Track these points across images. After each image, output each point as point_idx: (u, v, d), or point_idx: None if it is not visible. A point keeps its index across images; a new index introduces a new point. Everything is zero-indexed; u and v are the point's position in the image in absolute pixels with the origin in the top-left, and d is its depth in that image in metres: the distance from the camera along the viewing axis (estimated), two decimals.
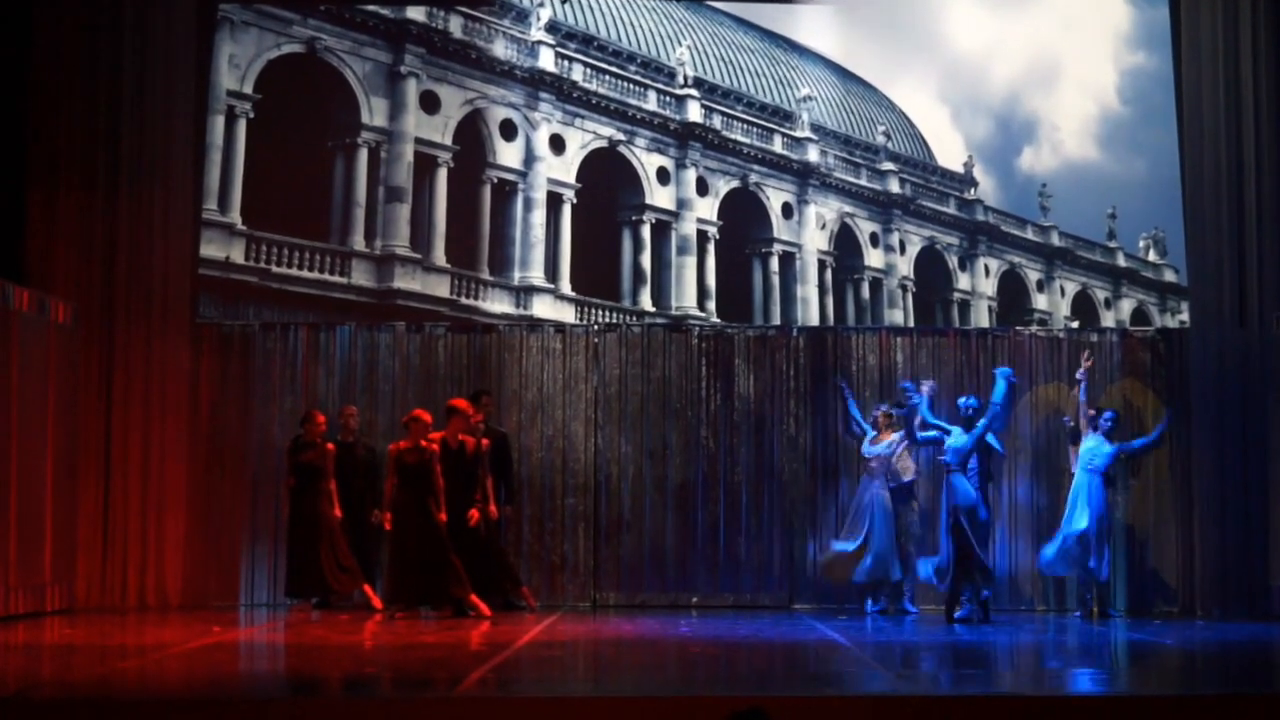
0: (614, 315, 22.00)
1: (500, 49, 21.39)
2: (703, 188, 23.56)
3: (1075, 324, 25.45)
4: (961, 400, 12.43)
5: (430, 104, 20.66)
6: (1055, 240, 26.57)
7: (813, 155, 24.77)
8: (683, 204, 23.22)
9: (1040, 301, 26.47)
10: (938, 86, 24.73)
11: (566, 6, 22.68)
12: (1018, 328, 15.53)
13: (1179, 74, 13.49)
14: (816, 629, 11.43)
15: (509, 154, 21.54)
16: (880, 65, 25.30)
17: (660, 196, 23.15)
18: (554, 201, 21.77)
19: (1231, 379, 12.92)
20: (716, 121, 23.91)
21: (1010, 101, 23.87)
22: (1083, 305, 26.80)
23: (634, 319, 21.72)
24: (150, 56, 13.14)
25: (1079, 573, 12.73)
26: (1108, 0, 23.40)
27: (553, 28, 22.10)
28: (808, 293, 23.96)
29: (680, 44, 24.10)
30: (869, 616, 12.54)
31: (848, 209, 25.10)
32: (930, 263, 25.71)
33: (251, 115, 18.85)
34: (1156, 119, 20.76)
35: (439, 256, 20.33)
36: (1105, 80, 23.89)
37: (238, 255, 18.47)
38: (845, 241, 25.00)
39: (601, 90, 22.62)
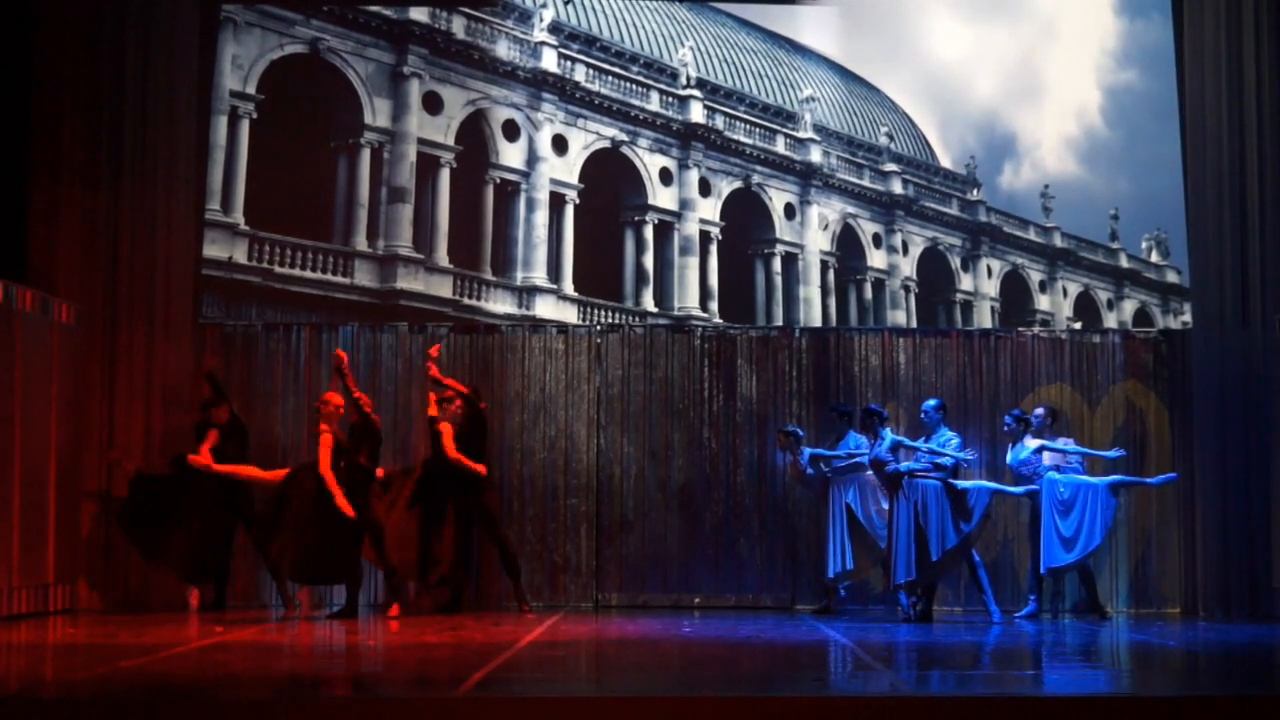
0: (616, 315, 22.03)
1: (503, 50, 21.42)
2: (705, 188, 23.58)
3: (1078, 325, 25.47)
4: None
5: (433, 104, 20.70)
6: (1058, 241, 26.60)
7: (815, 156, 24.80)
8: (685, 204, 23.25)
9: (1043, 302, 26.52)
10: (927, 93, 24.79)
11: (569, 7, 22.71)
12: (1020, 329, 15.53)
13: (1181, 75, 13.50)
14: (819, 629, 11.44)
15: (512, 154, 21.58)
16: (877, 70, 25.39)
17: (663, 197, 23.18)
18: (557, 202, 21.80)
19: (1234, 380, 12.92)
20: (719, 122, 23.94)
21: (995, 115, 23.93)
22: (1085, 306, 26.84)
23: (636, 319, 21.74)
24: (153, 57, 13.15)
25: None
26: (1096, 17, 23.45)
27: (555, 29, 22.13)
28: (810, 293, 24.00)
29: (683, 45, 24.13)
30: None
31: (850, 210, 25.13)
32: (933, 263, 25.74)
33: (254, 116, 18.88)
34: (1143, 133, 20.82)
35: (441, 257, 20.36)
36: (1090, 96, 23.96)
37: (240, 255, 18.51)
38: (848, 242, 25.03)
39: (604, 91, 22.65)
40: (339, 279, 19.52)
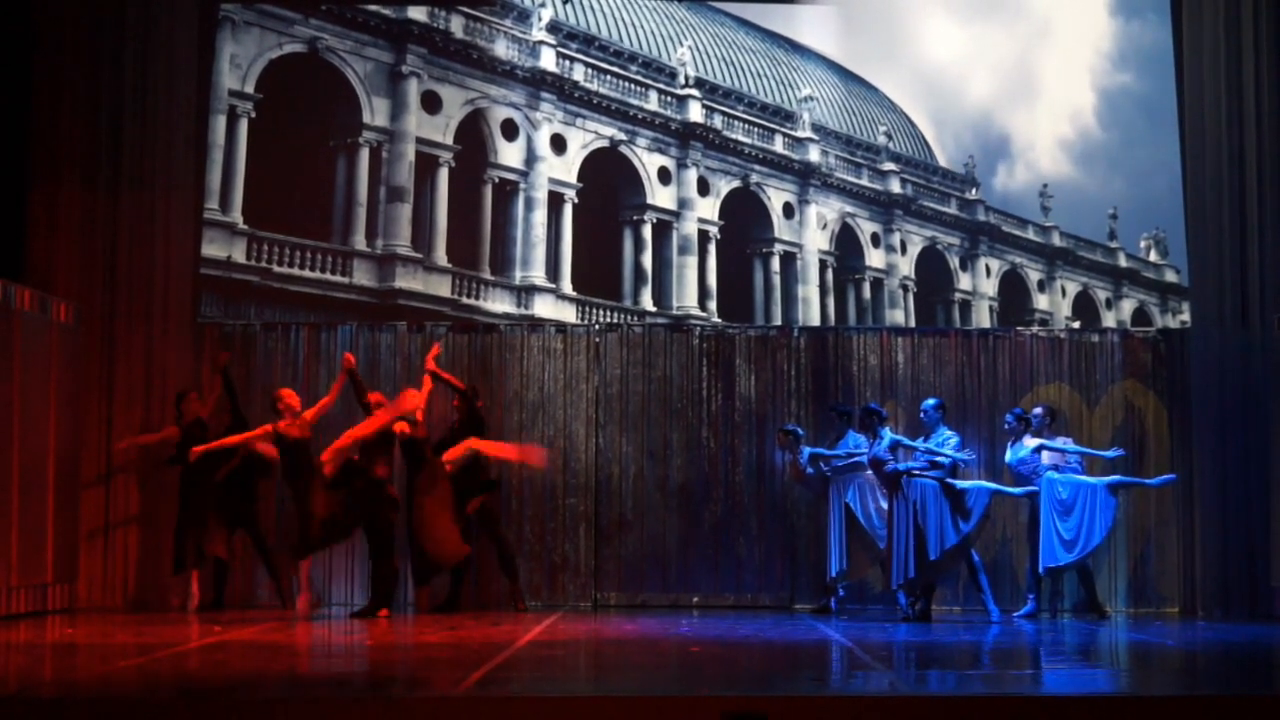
0: (615, 315, 22.02)
1: (502, 49, 21.40)
2: (704, 188, 23.57)
3: (1076, 324, 25.47)
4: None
5: (432, 104, 20.68)
6: (1056, 240, 26.59)
7: (814, 155, 24.79)
8: (684, 204, 23.23)
9: (1041, 302, 26.49)
10: (925, 93, 24.80)
11: (568, 7, 22.70)
12: (1019, 328, 15.54)
13: (1180, 74, 13.50)
14: (817, 629, 11.44)
15: (510, 154, 21.56)
16: (875, 69, 25.40)
17: (661, 196, 23.17)
18: (555, 201, 21.78)
19: (1232, 379, 12.92)
20: (718, 121, 23.92)
21: (990, 116, 23.93)
22: (1084, 305, 26.82)
23: (635, 319, 21.73)
24: (152, 56, 13.16)
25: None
26: (1091, 17, 23.44)
27: (554, 28, 22.11)
28: (809, 293, 23.98)
29: (681, 44, 24.12)
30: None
31: (849, 209, 25.12)
32: (931, 263, 25.73)
33: (253, 115, 18.87)
34: (1138, 135, 20.81)
35: (440, 256, 20.34)
36: (1084, 98, 23.96)
37: (239, 255, 18.49)
38: (846, 241, 25.02)
39: (603, 90, 22.64)
40: (338, 278, 19.51)
